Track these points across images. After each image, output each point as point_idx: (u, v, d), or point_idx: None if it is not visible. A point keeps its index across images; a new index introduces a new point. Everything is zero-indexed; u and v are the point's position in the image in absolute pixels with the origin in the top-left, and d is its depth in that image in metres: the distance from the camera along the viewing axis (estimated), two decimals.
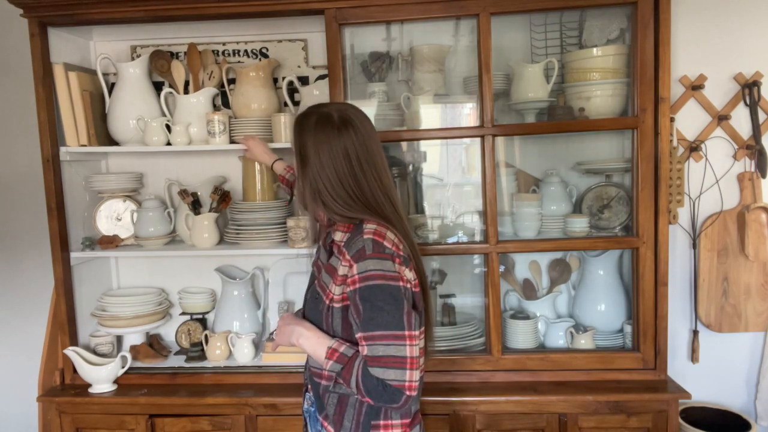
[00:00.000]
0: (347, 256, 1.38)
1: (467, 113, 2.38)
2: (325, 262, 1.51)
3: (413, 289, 1.38)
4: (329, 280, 1.45)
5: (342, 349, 1.40)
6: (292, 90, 2.41)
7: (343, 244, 1.43)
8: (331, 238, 1.49)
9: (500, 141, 2.32)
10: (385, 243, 1.35)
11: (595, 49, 2.17)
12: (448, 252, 2.26)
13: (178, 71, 2.39)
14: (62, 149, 2.25)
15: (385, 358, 1.31)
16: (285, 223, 2.31)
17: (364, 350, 1.34)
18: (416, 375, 1.31)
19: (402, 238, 1.41)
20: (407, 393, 1.30)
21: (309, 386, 1.56)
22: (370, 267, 1.33)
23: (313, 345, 1.44)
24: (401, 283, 1.33)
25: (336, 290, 1.42)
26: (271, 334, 2.39)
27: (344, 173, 1.40)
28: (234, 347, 2.31)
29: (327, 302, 1.44)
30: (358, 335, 1.36)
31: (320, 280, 1.50)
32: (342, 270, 1.39)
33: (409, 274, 1.37)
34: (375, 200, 1.42)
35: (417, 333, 1.34)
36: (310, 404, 1.55)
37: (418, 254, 1.47)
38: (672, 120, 2.19)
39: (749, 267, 2.35)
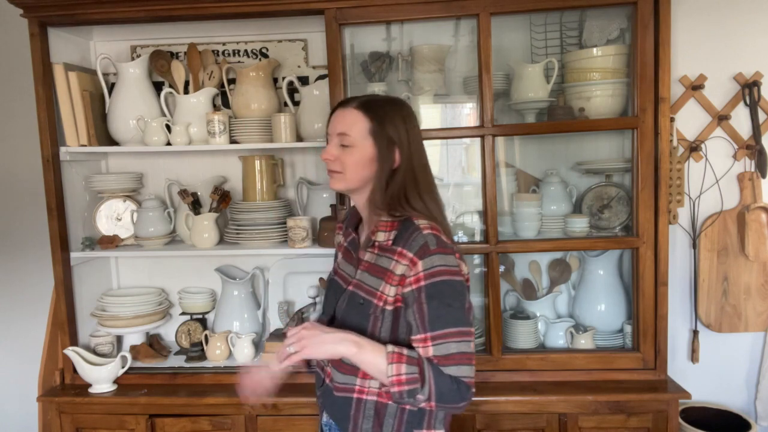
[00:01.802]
0: (408, 254, 1.31)
1: (467, 113, 2.38)
2: (353, 269, 1.44)
3: (467, 282, 1.38)
4: (379, 282, 1.36)
5: (406, 351, 1.29)
6: (292, 90, 2.41)
7: (391, 242, 1.36)
8: (372, 240, 1.41)
9: (500, 141, 2.33)
10: (443, 237, 1.32)
11: (595, 49, 2.17)
12: None
13: (178, 71, 2.39)
14: (62, 149, 2.25)
15: (458, 356, 1.27)
16: (285, 223, 2.31)
17: (430, 351, 1.28)
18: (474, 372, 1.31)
19: (449, 233, 1.40)
20: (473, 389, 1.29)
21: (326, 403, 1.45)
22: (437, 263, 1.29)
23: (371, 354, 1.29)
24: (462, 278, 1.32)
25: (390, 291, 1.34)
26: (276, 333, 2.39)
27: (423, 168, 1.41)
28: (234, 347, 2.31)
29: (381, 305, 1.35)
30: (419, 336, 1.30)
31: (362, 285, 1.39)
32: (400, 269, 1.32)
33: (464, 268, 1.35)
34: (426, 194, 1.41)
35: (473, 328, 1.34)
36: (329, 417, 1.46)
37: None
38: (672, 120, 2.19)
39: (749, 267, 2.35)
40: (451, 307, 1.29)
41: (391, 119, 1.37)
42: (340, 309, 1.43)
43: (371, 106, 1.39)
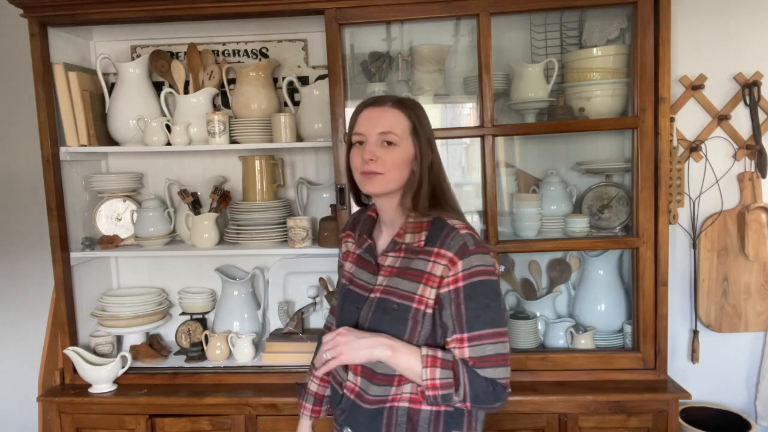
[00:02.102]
0: (448, 254, 1.29)
1: (467, 113, 2.38)
2: (372, 275, 1.41)
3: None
4: (416, 285, 1.33)
5: (440, 354, 1.28)
6: (292, 90, 2.41)
7: (423, 243, 1.34)
8: (400, 243, 1.38)
9: (500, 141, 2.33)
10: (477, 236, 1.32)
11: (595, 49, 2.17)
12: None
13: (178, 71, 2.39)
14: (62, 149, 2.25)
15: (494, 357, 1.27)
16: (285, 223, 2.31)
17: (466, 353, 1.27)
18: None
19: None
20: (509, 389, 1.29)
21: (350, 419, 1.40)
22: (476, 263, 1.28)
23: (406, 357, 1.28)
24: (497, 278, 1.32)
25: (431, 294, 1.32)
26: (276, 333, 2.39)
27: (442, 167, 1.41)
28: (234, 347, 2.31)
29: (422, 308, 1.32)
30: (455, 337, 1.29)
31: (395, 290, 1.35)
32: (439, 269, 1.30)
33: (497, 266, 1.37)
34: (448, 192, 1.41)
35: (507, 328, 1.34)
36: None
37: None
38: (672, 120, 2.19)
39: (749, 267, 2.35)
40: (488, 307, 1.28)
41: (425, 118, 1.39)
42: (366, 317, 1.38)
43: (409, 106, 1.38)
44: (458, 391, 1.26)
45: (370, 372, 1.36)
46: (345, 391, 1.43)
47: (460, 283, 1.28)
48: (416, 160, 1.36)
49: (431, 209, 1.36)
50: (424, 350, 1.28)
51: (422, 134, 1.36)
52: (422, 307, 1.32)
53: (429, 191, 1.36)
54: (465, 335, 1.28)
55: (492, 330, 1.28)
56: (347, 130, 1.42)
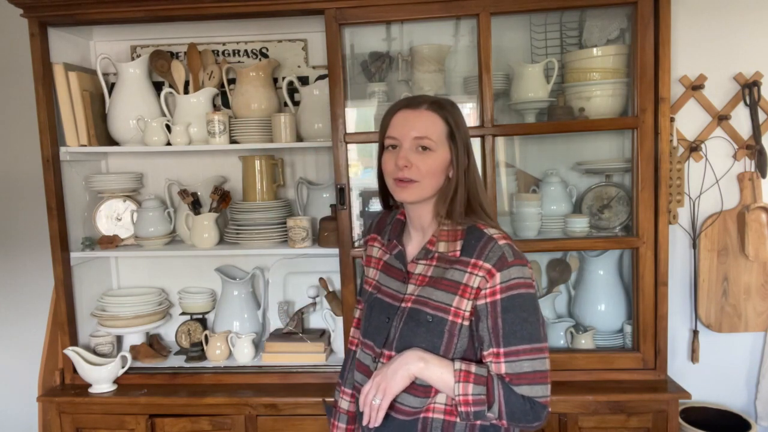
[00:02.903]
0: (486, 265, 1.24)
1: (467, 113, 2.37)
2: (402, 284, 1.35)
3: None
4: (451, 297, 1.27)
5: (474, 369, 1.24)
6: (292, 90, 2.41)
7: (458, 253, 1.29)
8: (433, 251, 1.32)
9: (500, 141, 2.33)
10: (516, 248, 1.27)
11: (595, 49, 2.17)
12: None
13: (178, 71, 2.39)
14: (62, 149, 2.25)
15: (531, 374, 1.22)
16: (285, 223, 2.31)
17: (502, 368, 1.23)
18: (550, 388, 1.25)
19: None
20: (548, 408, 1.24)
21: (378, 427, 1.32)
22: (514, 275, 1.23)
23: (437, 369, 1.24)
24: (535, 291, 1.26)
25: (467, 306, 1.26)
26: (275, 333, 2.39)
27: (478, 172, 1.36)
28: (234, 347, 2.31)
29: (459, 321, 1.26)
30: (491, 351, 1.24)
31: (428, 300, 1.30)
32: (476, 281, 1.25)
33: (534, 276, 1.29)
34: (483, 199, 1.34)
35: (547, 343, 1.28)
36: None
37: None
38: (672, 120, 2.19)
39: (749, 267, 2.35)
40: (526, 321, 1.23)
41: (462, 121, 1.32)
42: (398, 328, 1.32)
43: (445, 108, 1.31)
44: (492, 407, 1.21)
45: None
46: None
47: (498, 296, 1.23)
48: (452, 166, 1.30)
49: (466, 217, 1.31)
50: (458, 364, 1.24)
51: (459, 138, 1.29)
52: (459, 320, 1.27)
53: (464, 198, 1.30)
54: (501, 350, 1.23)
55: (529, 345, 1.23)
56: (380, 132, 1.36)
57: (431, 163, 1.28)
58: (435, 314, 1.28)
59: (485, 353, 1.26)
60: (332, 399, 1.61)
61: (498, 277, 1.24)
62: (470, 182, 1.32)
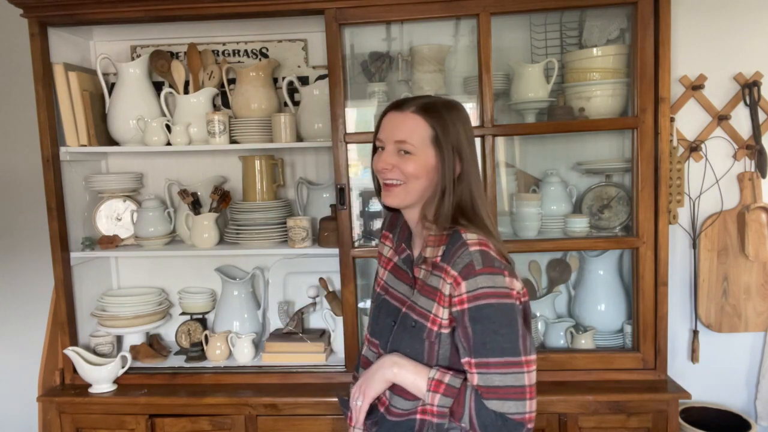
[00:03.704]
0: (453, 272, 1.22)
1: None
2: (409, 288, 1.34)
3: (522, 299, 1.25)
4: (431, 303, 1.27)
5: (447, 379, 1.23)
6: (292, 90, 2.41)
7: (439, 258, 1.26)
8: (422, 256, 1.31)
9: (500, 141, 2.32)
10: (493, 254, 1.22)
11: (595, 49, 2.17)
12: None
13: (178, 71, 2.39)
14: (62, 149, 2.25)
15: (503, 389, 1.17)
16: (285, 223, 2.31)
17: (475, 379, 1.20)
18: (535, 404, 1.18)
19: (499, 240, 1.28)
20: (528, 426, 1.18)
21: (378, 427, 1.35)
22: (482, 284, 1.19)
23: (412, 375, 1.25)
24: (514, 300, 1.20)
25: (444, 313, 1.24)
26: (276, 333, 2.39)
27: (478, 176, 1.31)
28: (234, 347, 2.31)
29: (435, 329, 1.25)
30: (466, 360, 1.22)
31: (415, 306, 1.31)
32: (447, 289, 1.23)
33: (517, 285, 1.23)
34: (480, 206, 1.29)
35: (534, 356, 1.21)
36: None
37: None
38: (672, 120, 2.19)
39: (749, 267, 2.35)
40: (497, 333, 1.18)
41: (453, 124, 1.27)
42: (393, 332, 1.34)
43: (431, 110, 1.27)
44: (463, 418, 1.20)
45: (399, 387, 1.32)
46: (378, 403, 1.38)
47: (465, 306, 1.20)
48: (438, 171, 1.27)
49: (458, 223, 1.27)
50: (433, 372, 1.24)
51: (446, 143, 1.26)
52: (435, 328, 1.26)
53: (454, 204, 1.27)
54: (473, 360, 1.20)
55: (501, 359, 1.17)
56: (373, 132, 1.37)
57: (412, 166, 1.27)
58: (418, 320, 1.29)
59: (462, 361, 1.24)
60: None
61: (463, 285, 1.20)
62: (464, 188, 1.28)
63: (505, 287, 1.20)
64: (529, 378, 1.19)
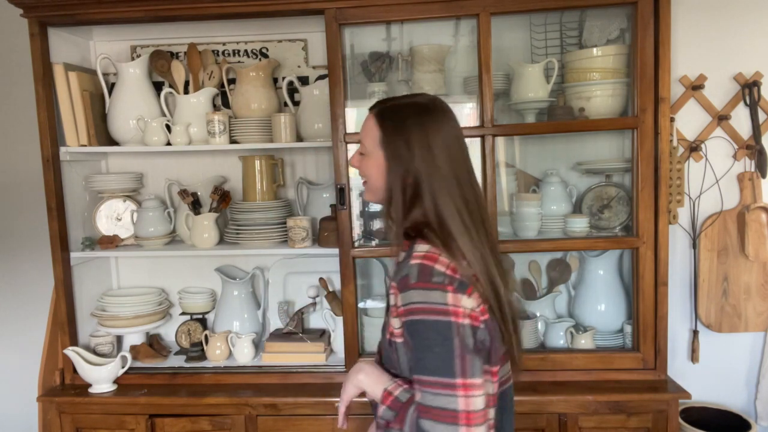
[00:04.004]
0: (393, 283, 1.20)
1: (467, 113, 2.37)
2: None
3: (474, 321, 1.14)
4: (388, 312, 1.28)
5: (397, 392, 1.21)
6: (292, 90, 2.41)
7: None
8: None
9: (500, 141, 2.32)
10: (437, 267, 1.15)
11: (595, 49, 2.17)
12: None
13: (178, 71, 2.39)
14: (62, 149, 2.25)
15: (435, 410, 1.10)
16: (285, 223, 2.31)
17: (417, 395, 1.14)
18: (480, 418, 1.10)
19: (468, 252, 1.17)
20: None
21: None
22: (414, 299, 1.14)
23: (372, 384, 1.26)
24: (453, 318, 1.11)
25: (395, 323, 1.21)
26: (276, 333, 2.39)
27: (450, 180, 1.22)
28: (234, 347, 2.31)
29: (389, 338, 1.25)
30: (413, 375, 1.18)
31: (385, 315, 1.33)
32: (392, 299, 1.22)
33: (467, 302, 1.13)
34: (449, 216, 1.20)
35: (477, 381, 1.11)
36: None
37: (495, 270, 1.20)
38: (672, 120, 2.19)
39: (749, 267, 2.35)
40: (431, 351, 1.12)
41: (406, 128, 1.23)
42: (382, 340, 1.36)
43: (387, 113, 1.27)
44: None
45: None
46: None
47: (403, 318, 1.17)
48: (388, 172, 1.25)
49: (420, 232, 1.22)
50: (389, 384, 1.24)
51: (389, 145, 1.24)
52: (388, 336, 1.26)
53: (406, 209, 1.23)
54: (414, 375, 1.16)
55: (434, 378, 1.10)
56: None
57: (365, 167, 1.31)
58: (383, 329, 1.32)
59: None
60: None
61: (400, 298, 1.17)
62: (426, 195, 1.21)
63: (441, 303, 1.12)
64: (466, 403, 1.09)
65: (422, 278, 1.14)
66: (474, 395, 1.10)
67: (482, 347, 1.15)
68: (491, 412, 1.16)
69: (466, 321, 1.12)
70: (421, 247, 1.20)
